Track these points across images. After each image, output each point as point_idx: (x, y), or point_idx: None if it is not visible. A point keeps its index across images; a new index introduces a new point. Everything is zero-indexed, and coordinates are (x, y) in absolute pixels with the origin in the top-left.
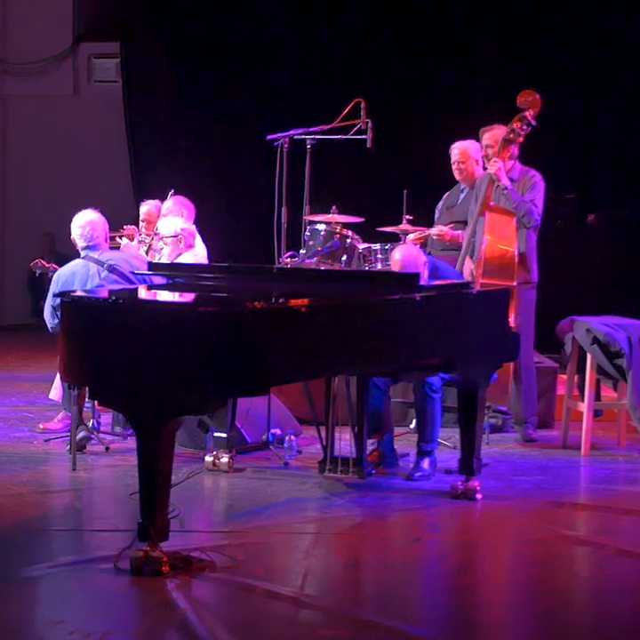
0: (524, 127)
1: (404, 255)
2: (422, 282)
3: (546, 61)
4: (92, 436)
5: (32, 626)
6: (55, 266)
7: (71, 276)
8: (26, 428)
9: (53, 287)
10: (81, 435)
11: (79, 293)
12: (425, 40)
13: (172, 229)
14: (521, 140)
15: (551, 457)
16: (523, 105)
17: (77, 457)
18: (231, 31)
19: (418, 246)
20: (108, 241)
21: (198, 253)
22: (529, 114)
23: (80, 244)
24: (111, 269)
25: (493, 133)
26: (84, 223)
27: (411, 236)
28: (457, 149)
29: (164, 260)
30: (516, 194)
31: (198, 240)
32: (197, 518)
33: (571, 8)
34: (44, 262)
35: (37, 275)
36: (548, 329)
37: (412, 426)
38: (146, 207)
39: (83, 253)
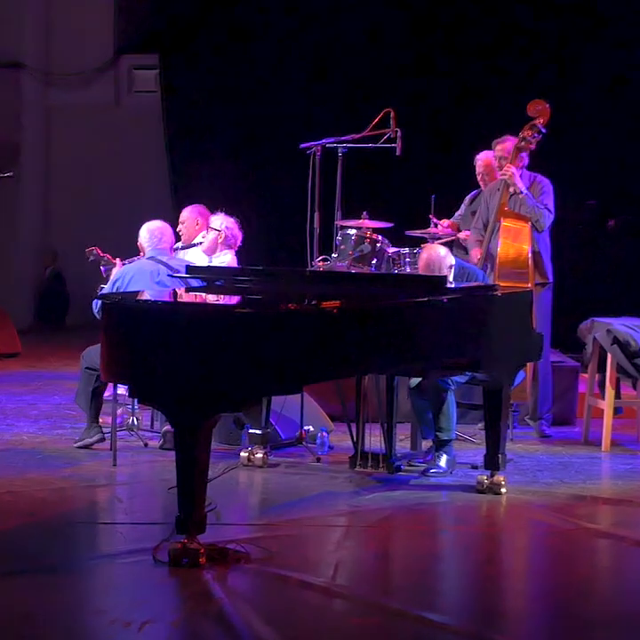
0: (535, 135)
1: (429, 255)
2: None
3: (572, 68)
4: (132, 432)
5: (75, 615)
6: (110, 256)
7: (139, 274)
8: (68, 425)
9: (119, 283)
10: (95, 438)
11: (120, 296)
12: (452, 47)
13: (218, 223)
14: (532, 147)
15: (573, 452)
16: (533, 114)
17: (117, 453)
18: (267, 42)
19: (446, 248)
20: (172, 252)
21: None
22: (539, 122)
23: (147, 246)
24: (173, 274)
25: (505, 145)
26: (154, 228)
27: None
28: (480, 161)
29: (203, 248)
30: (532, 199)
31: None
32: (233, 511)
33: (597, 14)
34: (99, 251)
35: (89, 261)
36: (570, 330)
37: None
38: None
39: (149, 254)
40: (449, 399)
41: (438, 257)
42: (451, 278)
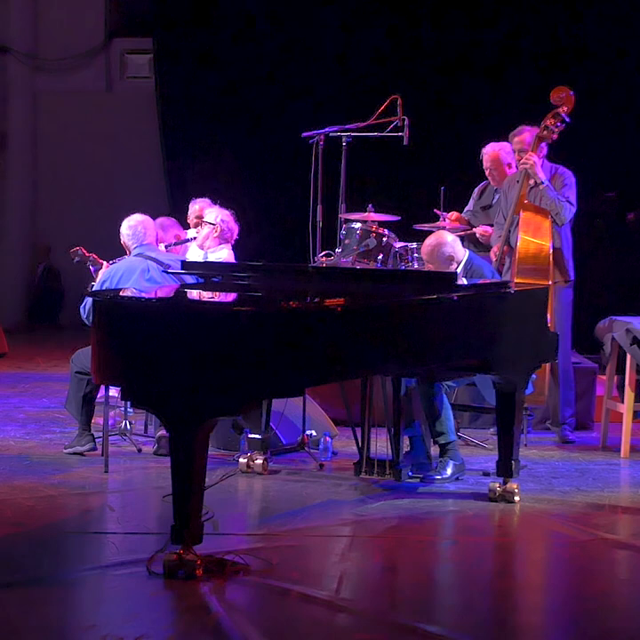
0: (558, 124)
1: (429, 241)
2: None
3: (587, 57)
4: (124, 437)
5: (64, 630)
6: (96, 256)
7: (128, 272)
8: (57, 429)
9: (108, 283)
10: (86, 447)
11: (113, 294)
12: (461, 35)
13: (213, 217)
14: (554, 136)
15: (590, 459)
16: (556, 101)
17: (109, 459)
18: (266, 26)
19: (455, 236)
20: (158, 243)
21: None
22: (562, 110)
23: (132, 244)
24: (167, 271)
25: (523, 137)
26: (135, 223)
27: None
28: (487, 155)
29: (198, 243)
30: (553, 190)
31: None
32: (231, 521)
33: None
34: (84, 250)
35: (75, 262)
36: (587, 329)
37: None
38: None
39: (136, 251)
40: (443, 402)
41: (437, 243)
42: (460, 268)
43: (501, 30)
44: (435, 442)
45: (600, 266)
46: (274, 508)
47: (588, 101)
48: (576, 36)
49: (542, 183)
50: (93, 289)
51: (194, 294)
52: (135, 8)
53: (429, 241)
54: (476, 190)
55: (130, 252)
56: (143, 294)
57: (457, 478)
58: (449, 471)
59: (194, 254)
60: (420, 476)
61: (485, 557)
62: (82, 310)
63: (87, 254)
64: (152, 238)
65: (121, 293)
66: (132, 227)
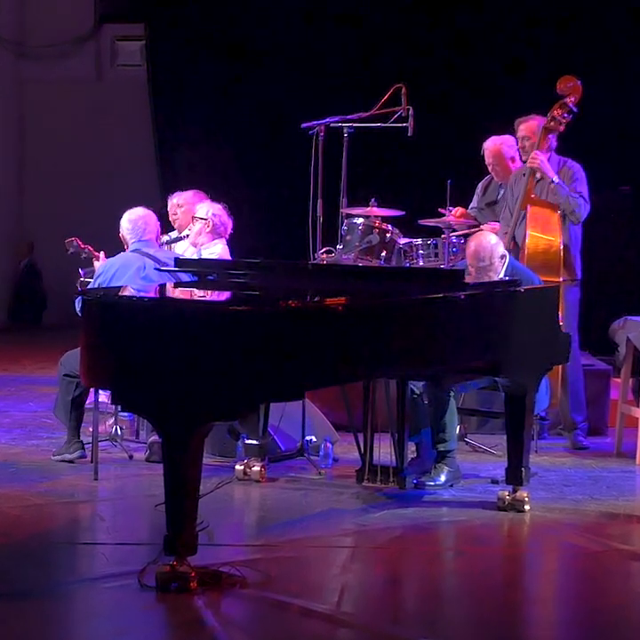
0: (565, 115)
1: (479, 243)
2: (496, 277)
3: (599, 47)
4: (115, 443)
5: None
6: (91, 248)
7: (123, 268)
8: (45, 435)
9: (102, 278)
10: (75, 454)
11: (102, 292)
12: (468, 24)
13: (204, 212)
14: (562, 128)
15: (604, 466)
16: (563, 91)
17: (99, 466)
18: (262, 12)
19: (497, 237)
20: (158, 241)
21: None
22: (570, 100)
23: (131, 238)
24: (160, 268)
25: (529, 125)
26: (136, 217)
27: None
28: (488, 150)
29: (191, 240)
30: (565, 188)
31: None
32: (227, 531)
33: None
34: (80, 242)
35: (69, 253)
36: (601, 329)
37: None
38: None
39: (133, 247)
40: (450, 408)
41: (489, 245)
42: (502, 273)
43: (511, 18)
44: (434, 447)
45: (615, 263)
46: (272, 518)
47: (600, 90)
48: (590, 27)
49: (553, 181)
50: (88, 283)
51: (187, 293)
52: None
53: (484, 243)
54: (480, 186)
55: (128, 247)
56: (133, 293)
57: (451, 485)
58: (443, 478)
59: (187, 253)
60: (415, 482)
61: (494, 569)
62: (77, 304)
63: (82, 246)
64: (152, 234)
65: (113, 293)
66: (133, 220)
